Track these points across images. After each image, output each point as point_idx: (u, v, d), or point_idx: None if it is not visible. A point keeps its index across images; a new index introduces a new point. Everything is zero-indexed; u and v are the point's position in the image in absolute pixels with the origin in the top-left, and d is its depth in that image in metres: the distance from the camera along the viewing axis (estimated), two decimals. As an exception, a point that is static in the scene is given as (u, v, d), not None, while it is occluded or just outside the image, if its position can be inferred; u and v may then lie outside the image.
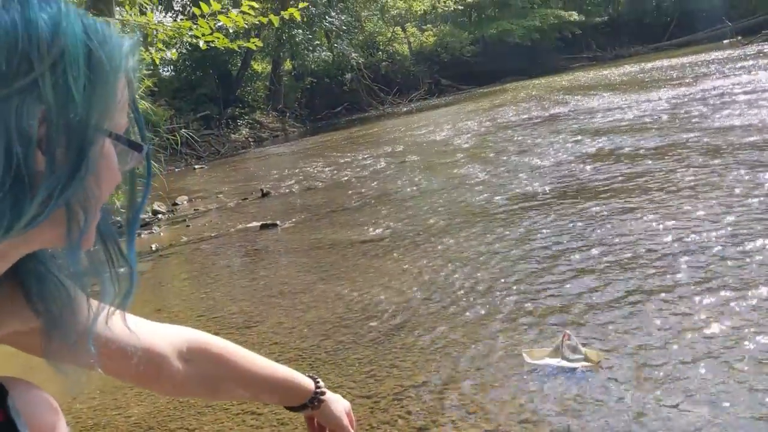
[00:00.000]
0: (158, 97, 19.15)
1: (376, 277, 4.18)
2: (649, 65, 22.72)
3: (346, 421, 1.82)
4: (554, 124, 10.85)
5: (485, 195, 6.08)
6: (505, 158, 8.18)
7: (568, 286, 3.40)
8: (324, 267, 4.72)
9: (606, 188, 5.44)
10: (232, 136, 23.26)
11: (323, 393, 1.78)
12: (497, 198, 5.87)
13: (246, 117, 25.15)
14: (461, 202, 6.06)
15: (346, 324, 3.45)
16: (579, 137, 8.70)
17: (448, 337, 3.02)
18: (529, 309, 3.18)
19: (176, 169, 16.97)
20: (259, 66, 30.55)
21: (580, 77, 24.32)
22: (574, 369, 2.47)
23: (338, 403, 1.83)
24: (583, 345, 2.60)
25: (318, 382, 1.78)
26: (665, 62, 22.69)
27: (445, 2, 33.01)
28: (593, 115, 11.04)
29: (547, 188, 5.90)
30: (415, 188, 7.33)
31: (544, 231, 4.49)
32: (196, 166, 17.05)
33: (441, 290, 3.68)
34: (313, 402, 1.75)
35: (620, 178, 5.70)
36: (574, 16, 38.31)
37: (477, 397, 2.46)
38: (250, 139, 23.97)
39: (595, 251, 3.85)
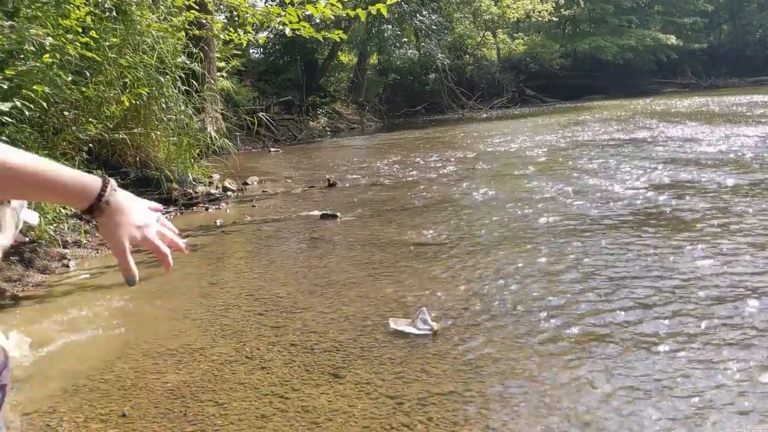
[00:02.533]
0: (245, 77, 19.66)
1: (423, 281, 4.20)
2: (745, 99, 21.81)
3: (125, 241, 1.31)
4: (634, 149, 10.57)
5: (548, 213, 5.99)
6: (576, 178, 8.03)
7: (613, 315, 3.33)
8: (374, 264, 4.77)
9: (673, 221, 5.28)
10: (311, 123, 23.61)
11: (106, 198, 1.27)
12: (559, 218, 5.78)
13: (326, 106, 25.48)
14: (522, 217, 6.00)
15: (384, 322, 3.49)
16: (657, 165, 8.46)
17: (483, 351, 3.02)
18: (570, 334, 3.14)
19: (253, 150, 17.35)
20: (346, 57, 30.88)
21: (670, 103, 23.57)
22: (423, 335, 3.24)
23: (129, 215, 1.32)
24: (432, 320, 3.34)
25: (108, 183, 1.29)
26: (762, 98, 21.72)
27: (539, 12, 32.50)
28: (676, 143, 10.70)
29: (612, 214, 5.77)
30: (479, 197, 7.29)
31: (601, 257, 4.40)
32: (272, 149, 17.40)
33: (484, 303, 3.67)
34: (100, 207, 1.27)
35: (690, 212, 5.52)
36: (672, 40, 37.10)
37: (503, 416, 2.45)
38: (327, 129, 24.29)
39: (648, 284, 3.76)
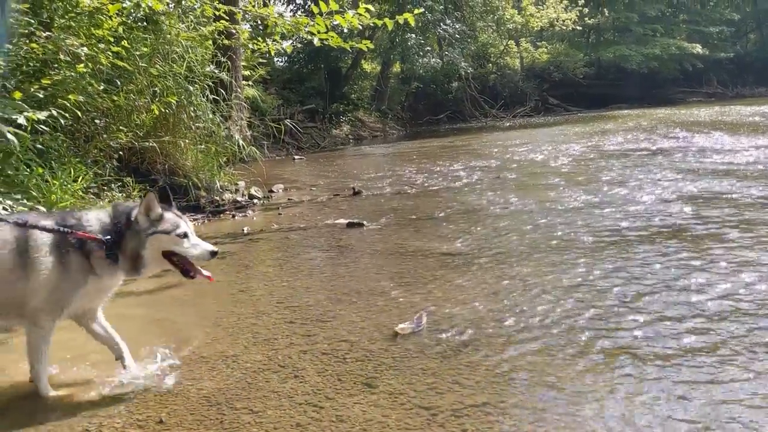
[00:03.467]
0: (270, 85, 19.82)
1: (451, 291, 4.21)
2: (772, 108, 21.54)
3: None
4: (659, 159, 10.49)
5: (574, 224, 5.97)
6: (601, 188, 7.99)
7: (644, 328, 3.32)
8: (402, 273, 4.78)
9: (702, 234, 5.24)
10: (334, 131, 23.73)
11: None
12: (586, 229, 5.76)
13: (349, 114, 25.59)
14: (549, 227, 5.98)
15: (415, 332, 3.50)
16: (683, 176, 8.39)
17: (515, 363, 3.02)
18: (601, 347, 3.13)
19: (277, 157, 17.48)
20: (369, 66, 31.00)
21: (696, 112, 23.35)
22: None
23: None
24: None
25: None
26: (791, 107, 21.44)
27: (563, 21, 32.39)
28: (702, 154, 10.60)
29: (638, 225, 5.74)
30: (504, 207, 7.28)
31: (630, 269, 4.38)
32: (296, 157, 17.51)
33: (513, 314, 3.67)
34: None
35: (718, 225, 5.47)
36: (698, 48, 36.75)
37: (537, 428, 2.45)
38: (350, 136, 24.39)
39: (677, 297, 3.73)
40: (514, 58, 36.57)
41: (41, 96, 5.59)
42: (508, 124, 28.00)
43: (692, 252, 4.67)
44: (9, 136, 3.53)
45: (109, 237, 2.90)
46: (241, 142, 9.71)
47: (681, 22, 41.18)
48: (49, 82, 5.70)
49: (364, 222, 6.88)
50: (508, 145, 16.00)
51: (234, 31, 9.05)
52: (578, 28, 34.08)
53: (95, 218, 3.00)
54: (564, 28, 34.04)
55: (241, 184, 10.04)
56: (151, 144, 7.86)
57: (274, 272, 5.23)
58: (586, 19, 34.38)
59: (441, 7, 28.31)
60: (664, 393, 2.62)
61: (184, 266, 3.09)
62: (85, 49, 6.06)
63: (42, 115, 4.52)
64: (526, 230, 5.93)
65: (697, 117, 20.81)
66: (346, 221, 7.01)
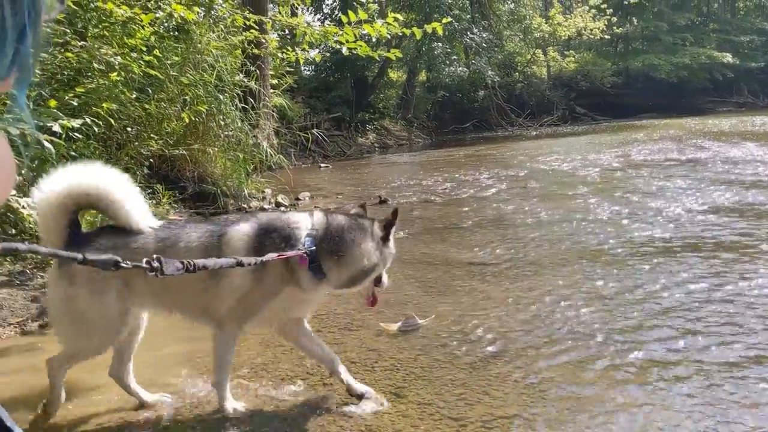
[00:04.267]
0: (296, 94, 19.95)
1: (480, 301, 4.19)
2: (806, 118, 21.16)
3: None
4: (689, 170, 10.35)
5: (602, 235, 5.92)
6: (630, 199, 7.91)
7: (675, 340, 3.27)
8: (430, 282, 4.78)
9: (734, 245, 5.16)
10: (359, 139, 23.81)
11: None
12: (614, 240, 5.70)
13: (375, 122, 25.67)
14: (577, 238, 5.93)
15: (443, 342, 3.49)
16: (713, 187, 8.27)
17: (545, 375, 2.99)
18: (631, 360, 3.09)
19: (303, 165, 17.58)
20: (395, 74, 31.06)
21: (726, 122, 23.02)
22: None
23: None
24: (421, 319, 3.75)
25: None
26: (825, 117, 21.05)
27: (591, 30, 32.18)
28: (733, 165, 10.44)
29: (669, 236, 5.67)
30: (531, 216, 7.24)
31: (660, 281, 4.33)
32: (322, 165, 17.59)
33: (543, 325, 3.64)
34: None
35: (750, 237, 5.38)
36: (728, 58, 36.24)
37: (565, 440, 2.43)
38: (376, 145, 24.46)
39: (709, 309, 3.68)
40: (541, 66, 36.39)
41: (75, 104, 5.69)
42: (534, 133, 27.86)
43: (724, 263, 4.60)
44: (46, 144, 3.61)
45: (314, 248, 2.65)
46: (268, 150, 9.79)
47: (711, 31, 40.68)
48: (83, 90, 5.80)
49: (391, 231, 6.87)
50: (534, 155, 15.91)
51: (263, 41, 9.13)
52: (606, 37, 33.81)
53: (304, 224, 2.78)
54: (592, 37, 33.81)
55: (268, 191, 10.11)
56: (180, 152, 7.95)
57: (302, 280, 5.24)
58: (615, 28, 34.10)
59: (468, 16, 28.31)
60: (699, 407, 2.57)
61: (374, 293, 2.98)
62: (118, 58, 6.16)
63: (76, 123, 4.60)
64: (554, 240, 5.88)
65: (726, 127, 20.52)
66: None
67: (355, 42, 7.40)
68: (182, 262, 2.22)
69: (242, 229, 2.72)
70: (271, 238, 2.69)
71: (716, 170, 9.99)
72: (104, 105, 5.85)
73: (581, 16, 32.46)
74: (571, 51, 38.37)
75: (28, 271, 4.90)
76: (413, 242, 6.37)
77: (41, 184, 2.54)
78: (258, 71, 9.69)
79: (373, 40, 7.61)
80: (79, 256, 1.87)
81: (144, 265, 2.08)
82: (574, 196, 8.50)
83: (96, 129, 5.39)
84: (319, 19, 26.18)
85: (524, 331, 3.57)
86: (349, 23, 7.14)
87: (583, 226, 6.45)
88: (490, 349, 3.36)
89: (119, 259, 2.00)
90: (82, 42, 6.07)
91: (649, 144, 16.16)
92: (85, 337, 2.71)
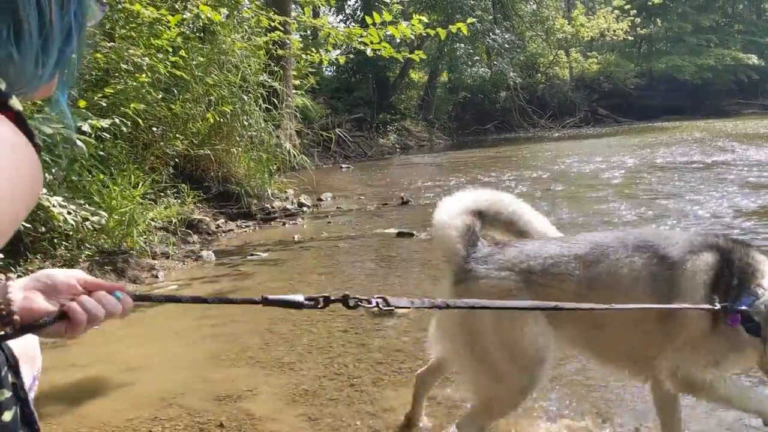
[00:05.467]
0: (318, 94, 20.01)
1: (506, 303, 4.17)
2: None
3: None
4: (714, 172, 10.25)
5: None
6: (655, 201, 7.85)
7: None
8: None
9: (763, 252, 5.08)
10: (380, 140, 23.82)
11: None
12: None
13: (396, 123, 25.67)
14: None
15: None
16: (740, 190, 8.18)
17: (565, 391, 2.98)
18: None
19: (324, 166, 17.63)
20: (416, 75, 31.03)
21: (751, 124, 22.72)
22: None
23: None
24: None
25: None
26: None
27: (615, 31, 31.93)
28: (759, 167, 10.32)
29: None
30: (555, 219, 7.20)
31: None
32: (343, 166, 17.63)
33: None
34: None
35: (782, 241, 5.32)
36: (753, 59, 35.73)
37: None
38: (397, 146, 24.45)
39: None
40: (564, 68, 36.17)
41: (104, 104, 5.77)
42: (556, 134, 27.70)
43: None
44: (78, 143, 3.67)
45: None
46: (291, 150, 9.84)
47: (736, 32, 40.15)
48: (111, 91, 5.88)
49: (414, 232, 6.89)
50: (557, 156, 15.82)
51: (287, 41, 9.19)
52: (630, 38, 33.54)
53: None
54: (615, 38, 33.54)
55: (290, 191, 10.16)
56: (205, 152, 8.02)
57: (327, 280, 5.27)
58: (638, 29, 33.82)
59: (490, 17, 28.23)
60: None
61: None
62: (146, 59, 6.24)
63: (105, 123, 4.67)
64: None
65: (752, 129, 20.26)
66: (396, 231, 7.03)
67: (379, 43, 7.42)
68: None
69: (706, 260, 2.12)
70: (727, 275, 2.10)
71: (741, 173, 9.87)
72: (132, 106, 5.92)
73: (604, 17, 32.22)
74: (593, 52, 38.07)
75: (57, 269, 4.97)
76: (436, 243, 6.36)
77: (443, 205, 2.36)
78: (281, 71, 9.75)
79: (397, 41, 7.59)
80: (256, 299, 1.53)
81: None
82: (598, 199, 8.45)
83: (124, 129, 5.46)
84: (341, 20, 26.28)
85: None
86: (374, 24, 7.16)
87: (607, 229, 6.40)
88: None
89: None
90: (110, 43, 6.14)
91: (673, 146, 16.00)
92: (504, 377, 2.17)
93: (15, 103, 1.01)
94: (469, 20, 7.57)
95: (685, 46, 36.65)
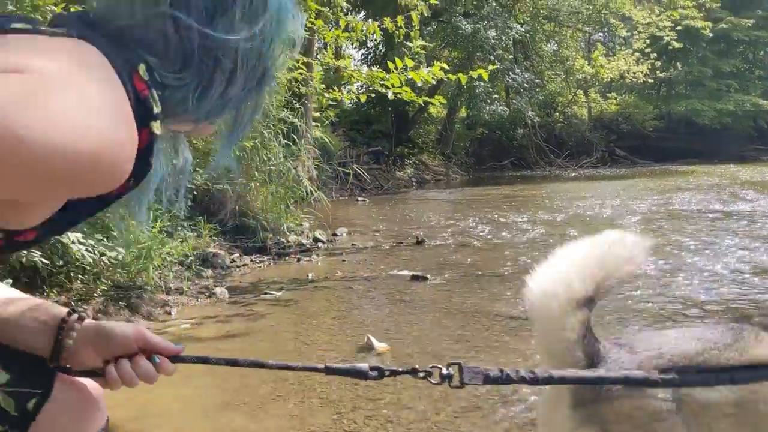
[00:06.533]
0: (337, 126, 20.18)
1: (520, 360, 4.14)
2: None
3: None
4: (733, 223, 10.17)
5: (646, 292, 5.82)
6: (672, 252, 7.79)
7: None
8: (467, 336, 4.75)
9: (783, 313, 5.03)
10: (397, 173, 23.95)
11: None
12: (658, 298, 5.61)
13: (413, 157, 25.82)
14: (618, 294, 5.83)
15: (479, 405, 3.45)
16: (758, 243, 8.10)
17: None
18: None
19: (340, 197, 17.72)
20: (435, 110, 31.26)
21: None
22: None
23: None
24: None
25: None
26: None
27: (635, 74, 32.04)
28: (779, 220, 10.24)
29: (715, 300, 5.56)
30: (571, 268, 7.15)
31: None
32: (359, 198, 17.71)
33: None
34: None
35: (802, 304, 5.25)
36: (773, 106, 35.77)
37: None
38: (413, 179, 24.55)
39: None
40: (582, 107, 36.31)
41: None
42: (573, 174, 27.69)
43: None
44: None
45: None
46: (308, 185, 9.90)
47: (756, 78, 40.19)
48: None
49: (428, 276, 6.87)
50: (573, 198, 15.79)
51: (310, 80, 9.31)
52: (649, 80, 33.63)
53: None
54: (634, 80, 33.65)
55: (306, 225, 10.20)
56: (224, 186, 8.09)
57: (339, 325, 5.25)
58: (658, 72, 33.93)
59: (510, 56, 28.45)
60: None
61: None
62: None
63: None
64: (594, 296, 5.80)
65: (772, 177, 20.15)
66: (410, 274, 7.02)
67: (400, 87, 7.50)
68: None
69: None
70: None
71: (760, 224, 9.79)
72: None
73: (624, 59, 32.36)
74: (612, 93, 38.23)
75: (72, 303, 5.01)
76: (450, 289, 6.34)
77: (554, 267, 1.69)
78: (302, 108, 9.86)
79: (418, 84, 7.67)
80: (318, 366, 1.48)
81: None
82: (614, 248, 8.39)
83: (147, 166, 5.52)
84: (362, 55, 26.59)
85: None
86: (395, 69, 7.25)
87: (628, 281, 6.35)
88: (528, 414, 3.31)
89: None
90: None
91: (690, 192, 15.93)
92: None
93: (156, 127, 1.11)
94: (491, 66, 7.66)
95: (705, 91, 36.69)
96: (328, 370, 1.50)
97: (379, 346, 4.51)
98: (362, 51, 26.72)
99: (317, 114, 12.60)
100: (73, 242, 4.40)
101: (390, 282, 6.85)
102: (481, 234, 10.17)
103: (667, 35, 29.80)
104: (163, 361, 1.41)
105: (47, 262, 4.52)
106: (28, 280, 4.79)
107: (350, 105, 25.57)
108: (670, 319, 4.97)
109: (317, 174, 12.60)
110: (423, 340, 4.73)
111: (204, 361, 1.55)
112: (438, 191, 21.63)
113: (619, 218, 11.37)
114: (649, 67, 32.45)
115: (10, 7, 4.23)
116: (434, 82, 7.73)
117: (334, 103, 12.63)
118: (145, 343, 1.40)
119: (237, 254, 8.06)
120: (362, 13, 24.51)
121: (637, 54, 32.82)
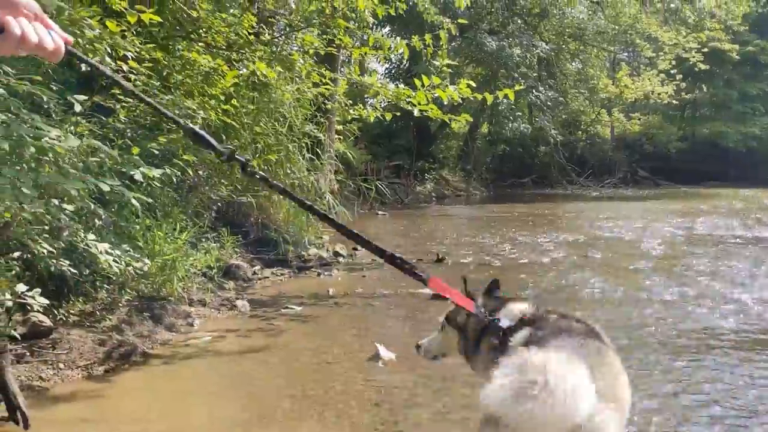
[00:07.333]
0: (360, 140, 20.27)
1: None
2: None
3: None
4: (756, 250, 10.05)
5: (668, 320, 5.77)
6: (694, 279, 7.71)
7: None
8: (488, 359, 4.72)
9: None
10: (417, 188, 23.95)
11: None
12: (680, 326, 5.56)
13: (434, 172, 25.83)
14: (640, 321, 5.80)
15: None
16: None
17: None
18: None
19: (360, 211, 17.72)
20: (456, 125, 31.19)
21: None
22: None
23: None
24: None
25: None
26: None
27: (659, 94, 31.77)
28: (805, 249, 10.10)
29: (740, 329, 5.49)
30: (593, 292, 7.12)
31: (728, 382, 4.18)
32: (379, 212, 17.70)
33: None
34: None
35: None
36: (801, 130, 35.30)
37: None
38: (433, 194, 24.54)
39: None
40: (605, 127, 36.13)
41: (156, 152, 5.94)
42: (594, 194, 27.52)
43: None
44: (134, 201, 3.79)
45: None
46: (330, 198, 9.95)
47: (783, 101, 39.74)
48: (165, 140, 6.06)
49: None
50: (594, 218, 15.69)
51: (335, 95, 9.38)
52: (674, 102, 33.36)
53: None
54: (659, 101, 33.38)
55: (326, 238, 10.24)
56: (248, 199, 8.16)
57: (359, 344, 5.25)
58: (683, 93, 33.64)
59: (534, 74, 28.42)
60: None
61: None
62: (201, 113, 6.42)
63: (157, 173, 4.80)
64: (615, 322, 5.76)
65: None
66: (430, 293, 7.01)
67: (426, 104, 7.53)
68: None
69: None
70: None
71: (787, 253, 9.68)
72: (186, 157, 6.11)
73: (649, 79, 32.16)
74: (636, 113, 37.99)
75: (97, 312, 5.07)
76: (471, 310, 6.32)
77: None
78: (326, 122, 9.93)
79: (444, 103, 7.69)
80: None
81: None
82: (637, 272, 8.33)
83: (174, 179, 5.60)
84: (387, 69, 26.71)
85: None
86: (422, 86, 7.28)
87: (645, 307, 6.31)
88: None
89: None
90: (169, 96, 6.35)
91: (713, 216, 15.76)
92: None
93: None
94: (517, 87, 7.65)
95: (730, 113, 36.30)
96: None
97: (386, 355, 4.56)
98: (386, 65, 26.84)
99: (340, 127, 12.69)
100: (100, 252, 4.45)
101: (410, 300, 6.85)
102: (501, 253, 10.13)
103: (693, 57, 29.53)
104: (59, 39, 1.41)
105: (75, 271, 4.58)
106: (55, 288, 4.86)
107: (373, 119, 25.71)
108: (687, 348, 4.92)
109: (339, 187, 12.68)
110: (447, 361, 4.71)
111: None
112: (458, 207, 21.60)
113: (641, 241, 11.28)
114: (674, 88, 32.18)
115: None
116: (460, 101, 7.72)
117: (357, 116, 12.75)
118: (42, 18, 1.40)
119: (258, 266, 8.11)
120: (387, 28, 24.70)
121: (662, 75, 32.59)
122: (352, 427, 3.53)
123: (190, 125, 2.16)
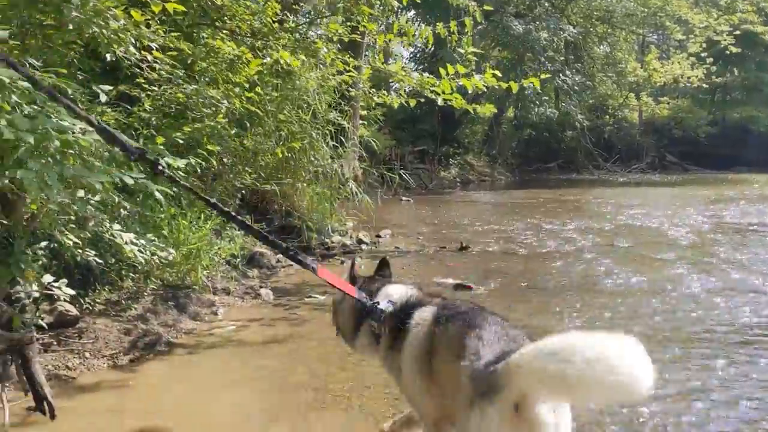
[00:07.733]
0: (384, 125, 20.22)
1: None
2: None
3: None
4: (789, 240, 9.86)
5: (696, 313, 5.67)
6: (723, 270, 7.57)
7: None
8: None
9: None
10: (442, 173, 23.88)
11: None
12: (710, 321, 5.46)
13: (458, 157, 25.71)
14: (668, 313, 5.72)
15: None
16: (817, 264, 7.83)
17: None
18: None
19: (384, 196, 17.69)
20: (482, 109, 30.99)
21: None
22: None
23: None
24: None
25: None
26: None
27: (689, 78, 31.15)
28: (839, 239, 9.88)
29: (758, 322, 5.38)
30: (620, 283, 7.02)
31: (757, 377, 4.10)
32: (403, 198, 17.66)
33: (633, 422, 3.51)
34: None
35: None
36: (835, 114, 34.49)
37: None
38: (457, 180, 24.44)
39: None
40: (633, 111, 35.60)
41: (181, 141, 5.96)
42: (621, 179, 27.19)
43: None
44: (158, 195, 3.80)
45: None
46: (353, 186, 9.93)
47: (817, 84, 38.80)
48: (189, 129, 6.07)
49: (472, 285, 6.83)
50: (621, 205, 15.50)
51: (359, 83, 9.34)
52: (704, 85, 32.74)
53: None
54: (689, 84, 32.77)
55: (349, 225, 10.23)
56: (272, 187, 8.16)
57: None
58: (714, 77, 32.98)
59: (561, 57, 28.05)
60: None
61: None
62: (225, 102, 6.43)
63: (181, 163, 4.79)
64: (642, 314, 5.69)
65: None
66: (454, 282, 6.98)
67: (451, 93, 7.45)
68: None
69: None
70: None
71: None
72: (210, 147, 6.12)
73: (679, 63, 31.56)
74: (665, 97, 37.36)
75: (123, 301, 5.13)
76: (494, 301, 6.28)
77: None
78: (351, 110, 9.89)
79: (469, 91, 7.61)
80: None
81: None
82: (665, 262, 8.21)
83: (198, 169, 5.62)
84: (411, 54, 26.53)
85: (614, 424, 3.45)
86: (447, 75, 7.20)
87: (672, 299, 6.21)
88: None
89: None
90: (193, 86, 6.35)
91: (743, 203, 15.46)
92: None
93: None
94: (543, 75, 7.55)
95: (762, 97, 35.56)
96: None
97: None
98: (411, 50, 26.67)
99: (364, 112, 12.62)
100: (126, 242, 4.49)
101: (434, 289, 6.81)
102: (526, 241, 10.05)
103: (725, 39, 28.86)
104: None
105: (101, 261, 4.62)
106: (81, 278, 4.92)
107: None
108: (711, 342, 4.84)
109: (363, 174, 12.64)
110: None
111: None
112: (482, 193, 21.46)
113: (669, 230, 11.11)
114: (705, 71, 31.54)
115: (75, 14, 4.32)
116: (485, 89, 7.63)
117: (382, 103, 12.69)
118: None
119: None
120: (411, 12, 24.50)
121: (692, 58, 31.96)
122: (375, 418, 3.53)
123: (103, 123, 2.32)
